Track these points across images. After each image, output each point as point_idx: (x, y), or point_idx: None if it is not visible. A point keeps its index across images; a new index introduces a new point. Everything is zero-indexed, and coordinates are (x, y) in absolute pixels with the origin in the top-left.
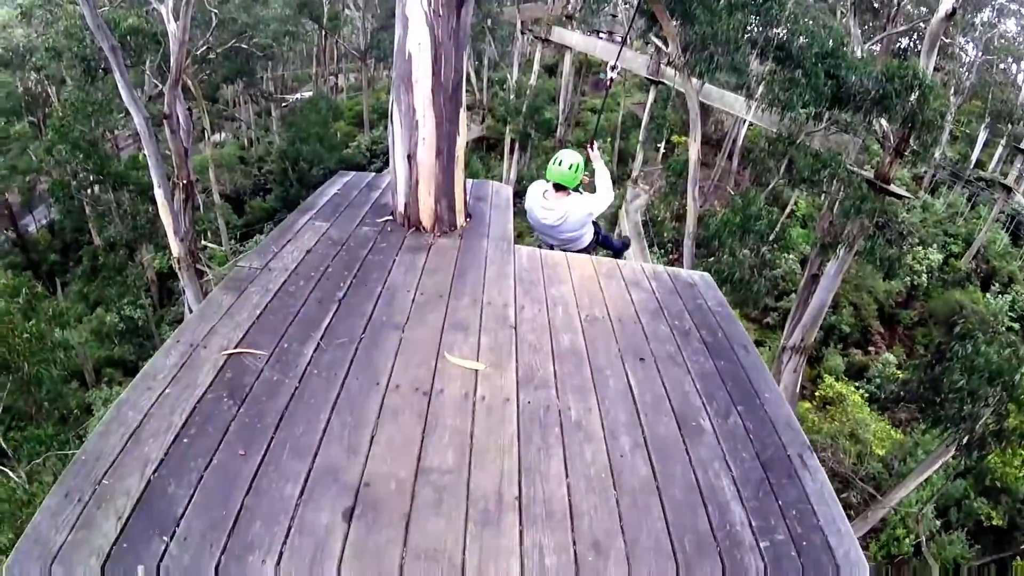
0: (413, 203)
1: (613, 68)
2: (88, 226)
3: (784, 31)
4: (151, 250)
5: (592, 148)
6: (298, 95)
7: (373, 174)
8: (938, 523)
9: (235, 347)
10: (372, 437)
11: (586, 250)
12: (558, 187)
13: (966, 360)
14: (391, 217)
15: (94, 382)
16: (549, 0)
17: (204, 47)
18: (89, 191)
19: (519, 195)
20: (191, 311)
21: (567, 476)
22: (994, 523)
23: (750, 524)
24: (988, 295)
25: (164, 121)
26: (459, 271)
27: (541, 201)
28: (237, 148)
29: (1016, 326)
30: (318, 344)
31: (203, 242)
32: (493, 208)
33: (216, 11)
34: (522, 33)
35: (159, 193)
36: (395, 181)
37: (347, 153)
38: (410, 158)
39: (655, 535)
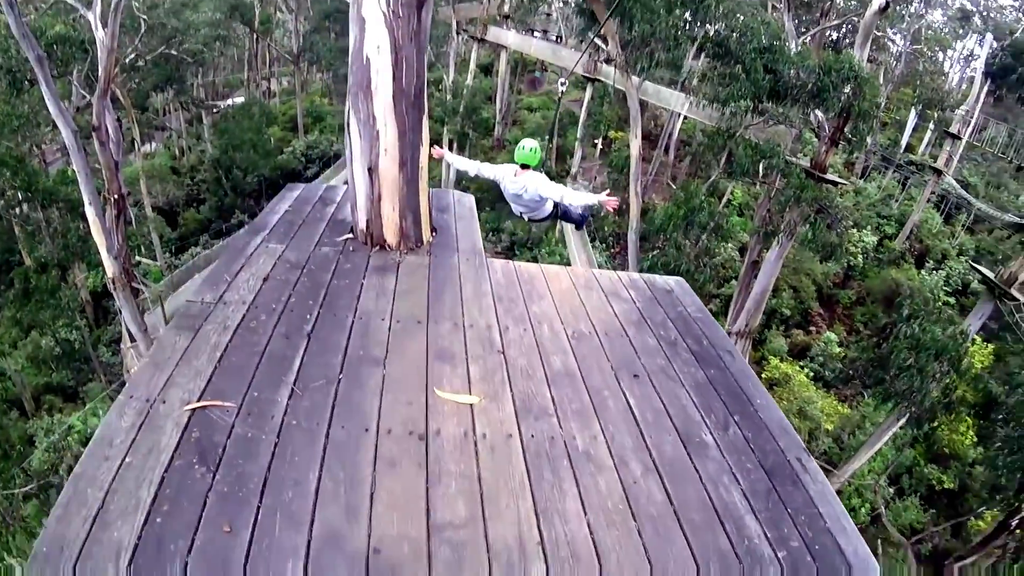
0: (376, 219)
1: (563, 83)
2: (18, 246)
3: (722, 27)
4: (83, 269)
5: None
6: (230, 101)
7: (324, 186)
8: (891, 491)
9: (198, 400)
10: (371, 494)
11: (547, 219)
12: (524, 166)
13: (913, 339)
14: (351, 235)
15: (34, 410)
16: (484, 0)
17: (133, 54)
18: (17, 209)
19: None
20: (129, 333)
21: (585, 513)
22: (946, 486)
23: (766, 536)
24: (923, 272)
25: (93, 133)
26: (434, 292)
27: (511, 177)
28: (168, 158)
29: (952, 300)
30: (292, 389)
31: (137, 258)
32: (458, 219)
33: (145, 16)
34: (457, 33)
35: (90, 210)
36: (355, 196)
37: (282, 159)
38: (371, 171)
39: (682, 562)
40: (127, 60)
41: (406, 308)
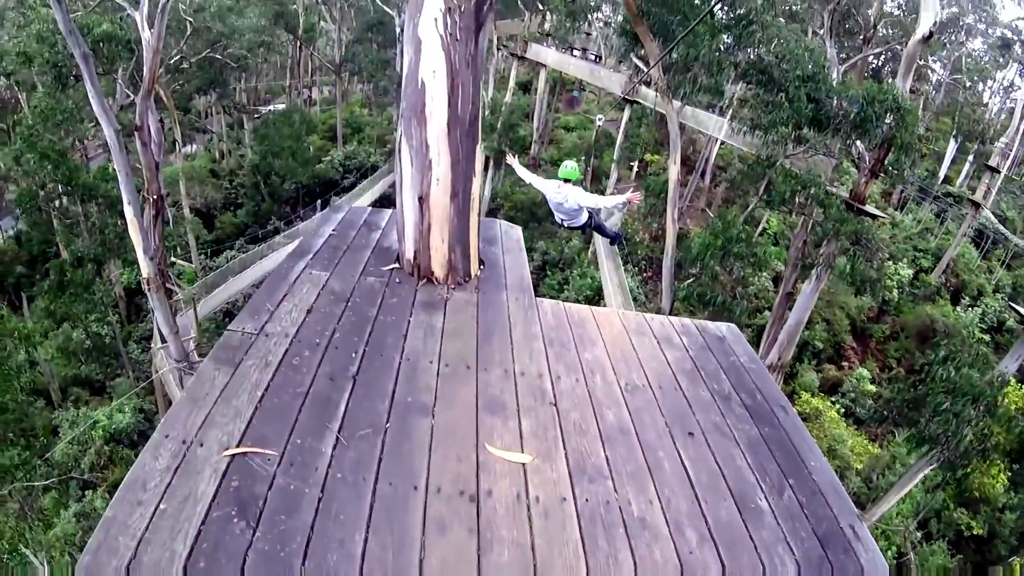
0: (424, 250)
1: (600, 119)
2: (56, 238)
3: (765, 53)
4: (119, 265)
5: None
6: (271, 107)
7: (369, 209)
8: (919, 534)
9: (238, 445)
10: (420, 560)
11: (583, 228)
12: (566, 180)
13: (949, 382)
14: (397, 264)
15: (60, 401)
16: (525, 17)
17: (178, 56)
18: (57, 202)
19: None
20: (160, 334)
21: None
22: (974, 532)
23: None
24: (958, 308)
25: (135, 133)
26: (483, 333)
27: (555, 189)
28: (208, 161)
29: (987, 337)
30: (337, 437)
31: (172, 259)
32: (506, 252)
33: (191, 19)
34: (498, 49)
35: (128, 210)
36: (403, 225)
37: (320, 168)
38: (422, 200)
39: None
40: (172, 61)
41: (455, 350)
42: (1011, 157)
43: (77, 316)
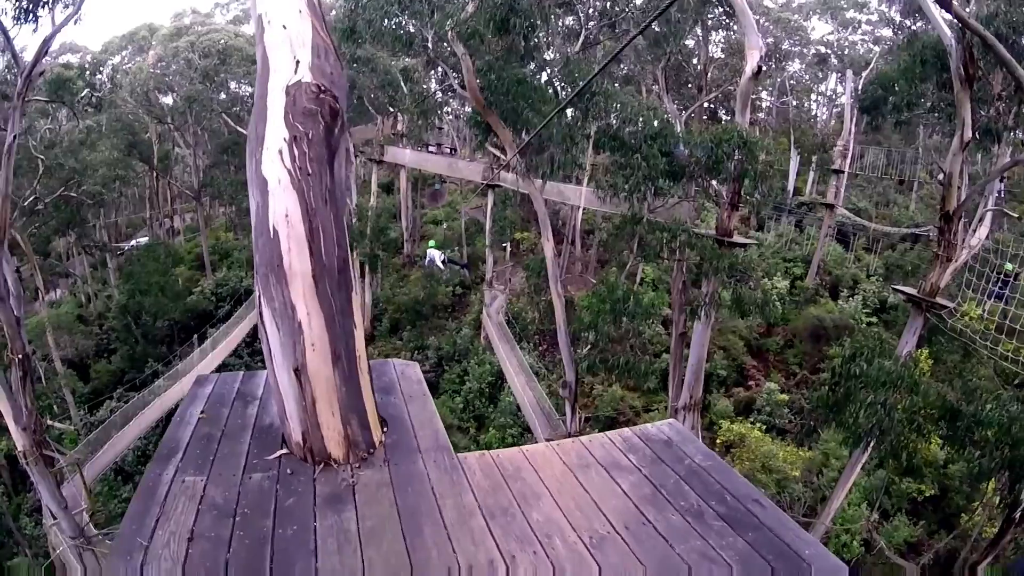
0: (314, 429)
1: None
2: None
3: (613, 120)
4: None
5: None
6: (134, 241)
7: (242, 374)
8: (876, 516)
9: None
10: None
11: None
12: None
13: (865, 377)
14: (285, 450)
15: None
16: (378, 121)
17: (31, 197)
18: None
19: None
20: (51, 514)
21: None
22: (927, 494)
23: None
24: (839, 302)
25: None
26: (408, 525)
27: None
28: (75, 306)
29: (874, 319)
30: None
31: (48, 421)
32: (409, 401)
33: (42, 157)
34: (355, 156)
35: None
36: (283, 403)
37: (192, 300)
38: (298, 372)
39: None
40: (26, 203)
41: (381, 559)
42: (849, 156)
43: None
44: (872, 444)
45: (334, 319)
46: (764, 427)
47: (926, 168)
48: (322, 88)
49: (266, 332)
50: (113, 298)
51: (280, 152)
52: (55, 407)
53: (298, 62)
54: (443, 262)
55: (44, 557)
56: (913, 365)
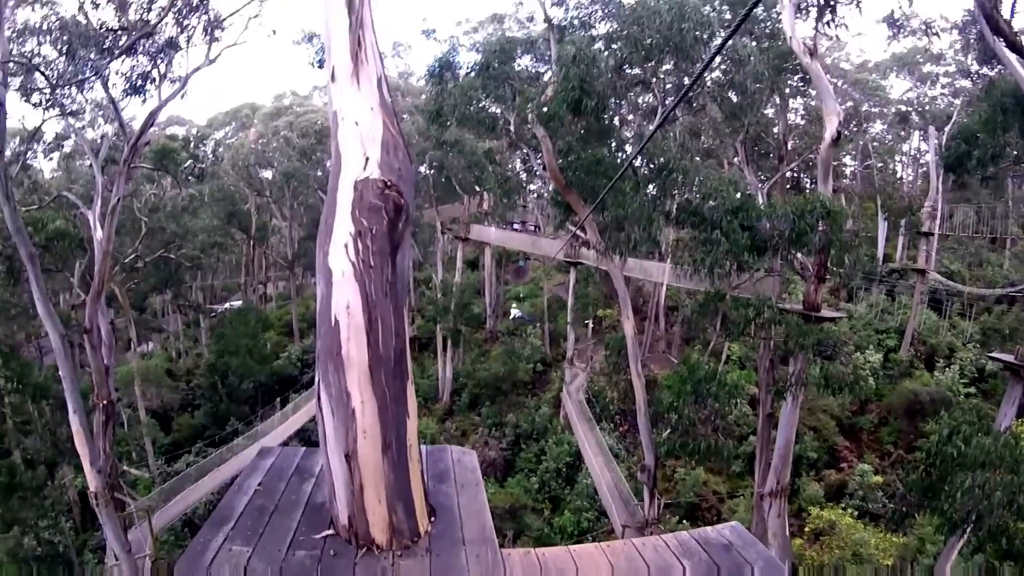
0: (360, 514)
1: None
2: (6, 438)
3: (692, 195)
4: (73, 470)
5: None
6: (227, 304)
7: (303, 449)
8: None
9: None
10: None
11: None
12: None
13: (962, 457)
14: (331, 531)
15: None
16: (465, 200)
17: (133, 255)
18: (8, 399)
19: None
20: (115, 556)
21: None
22: None
23: None
24: (935, 373)
25: (84, 336)
26: None
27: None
28: (165, 360)
29: (972, 389)
30: None
31: (124, 467)
32: (460, 491)
33: (146, 219)
34: (442, 233)
35: (74, 419)
36: (332, 486)
37: (278, 364)
38: (349, 458)
39: None
40: (127, 261)
41: None
42: (937, 217)
43: (26, 521)
44: (969, 529)
45: (387, 407)
46: (856, 512)
47: (1018, 223)
48: (388, 184)
49: (322, 416)
50: (203, 356)
51: (346, 245)
52: (134, 454)
53: (367, 158)
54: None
55: None
56: (1014, 441)
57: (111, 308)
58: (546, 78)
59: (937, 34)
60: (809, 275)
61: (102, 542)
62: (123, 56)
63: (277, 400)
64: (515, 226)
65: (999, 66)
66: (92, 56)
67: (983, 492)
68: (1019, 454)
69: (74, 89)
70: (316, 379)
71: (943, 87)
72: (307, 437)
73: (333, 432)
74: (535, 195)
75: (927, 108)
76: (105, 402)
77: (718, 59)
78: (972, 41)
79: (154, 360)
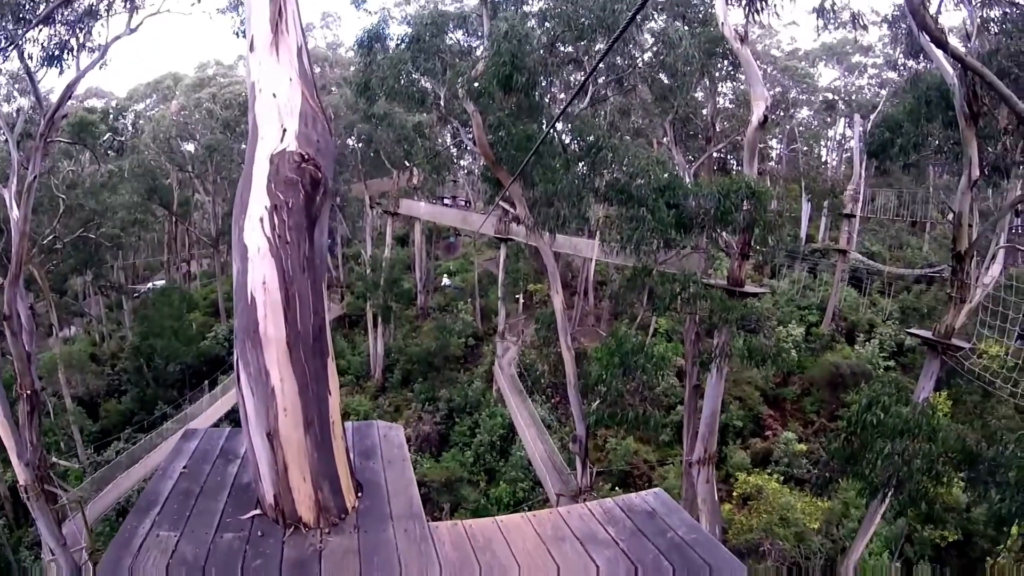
0: (285, 493)
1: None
2: None
3: (620, 174)
4: (0, 464)
5: None
6: (150, 284)
7: (227, 431)
8: (899, 564)
9: None
10: None
11: None
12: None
13: (881, 426)
14: (258, 511)
15: None
16: (394, 175)
17: (51, 235)
18: None
19: None
20: (50, 551)
21: None
22: (950, 539)
23: None
24: (856, 347)
25: (3, 322)
26: None
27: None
28: (88, 345)
29: (891, 363)
30: None
31: (53, 458)
32: (387, 466)
33: (64, 197)
34: (371, 208)
35: None
36: (257, 466)
37: (205, 345)
38: (271, 437)
39: None
40: (45, 241)
41: None
42: (860, 200)
43: None
44: (890, 494)
45: (308, 385)
46: (782, 478)
47: (937, 208)
48: (306, 156)
49: (242, 395)
50: (127, 339)
51: (261, 220)
52: (62, 444)
53: (285, 131)
54: None
55: None
56: (931, 411)
57: (30, 292)
58: (478, 53)
59: (866, 27)
60: (733, 252)
61: (38, 537)
62: (40, 25)
63: (206, 382)
64: (446, 201)
65: (926, 60)
66: (8, 25)
67: (902, 459)
68: (937, 424)
69: None
70: (234, 359)
71: (870, 78)
72: (237, 419)
73: (254, 412)
74: (465, 171)
75: (854, 97)
76: (29, 391)
77: (649, 40)
78: (901, 35)
79: (77, 345)
